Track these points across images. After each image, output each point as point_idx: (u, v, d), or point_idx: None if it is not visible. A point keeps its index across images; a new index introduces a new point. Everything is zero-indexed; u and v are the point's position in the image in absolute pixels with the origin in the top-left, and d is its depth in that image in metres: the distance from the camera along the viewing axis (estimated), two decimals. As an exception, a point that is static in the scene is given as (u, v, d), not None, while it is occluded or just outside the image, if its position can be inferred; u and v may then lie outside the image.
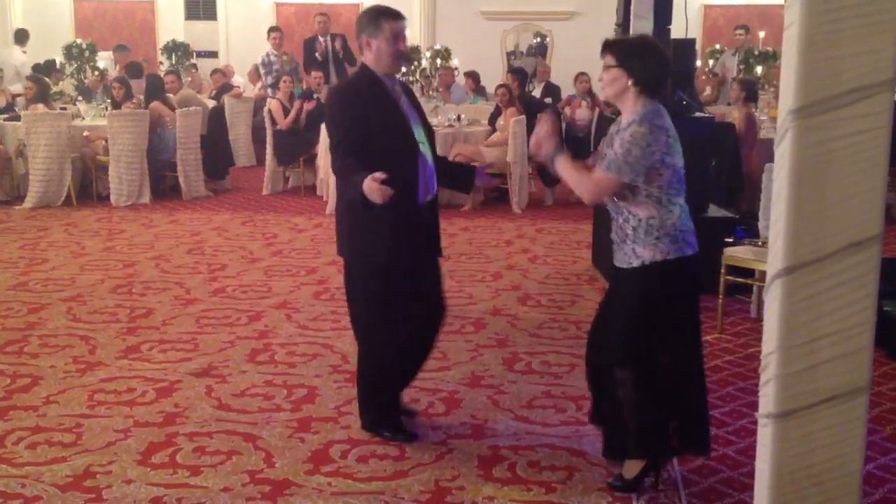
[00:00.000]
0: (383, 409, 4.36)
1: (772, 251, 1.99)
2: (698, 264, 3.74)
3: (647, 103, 3.65)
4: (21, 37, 15.14)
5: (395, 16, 4.14)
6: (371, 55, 4.13)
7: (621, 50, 3.71)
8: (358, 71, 4.31)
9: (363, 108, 4.04)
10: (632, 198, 3.63)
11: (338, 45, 12.43)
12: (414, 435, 4.32)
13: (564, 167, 3.71)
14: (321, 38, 12.52)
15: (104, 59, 14.68)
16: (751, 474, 3.92)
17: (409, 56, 4.17)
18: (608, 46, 3.75)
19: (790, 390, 1.95)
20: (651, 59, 3.67)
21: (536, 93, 12.76)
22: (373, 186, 3.76)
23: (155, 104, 10.57)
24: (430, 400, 4.75)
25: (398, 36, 4.11)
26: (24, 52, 14.87)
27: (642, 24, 6.20)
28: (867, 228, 1.90)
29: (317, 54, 12.41)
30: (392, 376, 4.34)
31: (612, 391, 3.80)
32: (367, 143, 4.00)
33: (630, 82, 3.63)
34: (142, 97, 10.93)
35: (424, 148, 4.18)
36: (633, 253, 3.67)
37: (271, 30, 13.66)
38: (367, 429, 4.37)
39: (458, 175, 4.56)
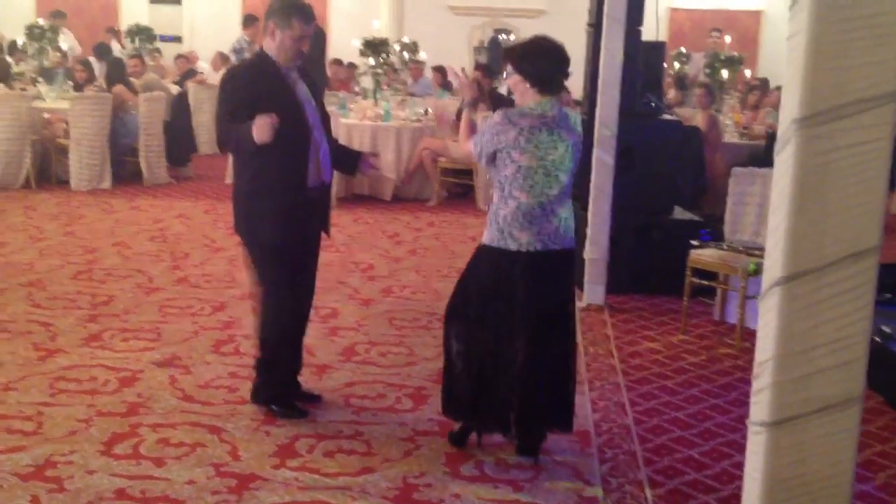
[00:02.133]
0: (279, 384, 4.47)
1: (770, 259, 2.01)
2: (523, 262, 3.85)
3: (537, 101, 3.83)
4: (57, 16, 14.91)
5: (307, 18, 4.23)
6: (273, 44, 4.22)
7: (516, 55, 3.92)
8: (256, 55, 4.44)
9: (254, 91, 4.14)
10: (494, 179, 3.91)
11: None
12: (305, 412, 4.44)
13: (464, 119, 4.15)
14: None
15: (66, 41, 14.45)
16: (715, 477, 4.00)
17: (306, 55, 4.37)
18: (504, 55, 4.02)
19: (785, 399, 1.97)
20: (542, 59, 3.87)
21: (502, 90, 12.76)
22: (259, 123, 3.92)
23: (118, 88, 10.40)
24: (396, 395, 4.73)
25: (304, 37, 4.20)
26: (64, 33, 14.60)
27: (615, 25, 6.22)
28: (867, 239, 1.94)
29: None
30: (285, 349, 4.46)
31: None
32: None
33: (528, 84, 3.84)
34: (103, 81, 10.76)
35: (318, 134, 4.29)
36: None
37: (248, 18, 13.49)
38: (256, 401, 4.47)
39: (345, 159, 4.68)
